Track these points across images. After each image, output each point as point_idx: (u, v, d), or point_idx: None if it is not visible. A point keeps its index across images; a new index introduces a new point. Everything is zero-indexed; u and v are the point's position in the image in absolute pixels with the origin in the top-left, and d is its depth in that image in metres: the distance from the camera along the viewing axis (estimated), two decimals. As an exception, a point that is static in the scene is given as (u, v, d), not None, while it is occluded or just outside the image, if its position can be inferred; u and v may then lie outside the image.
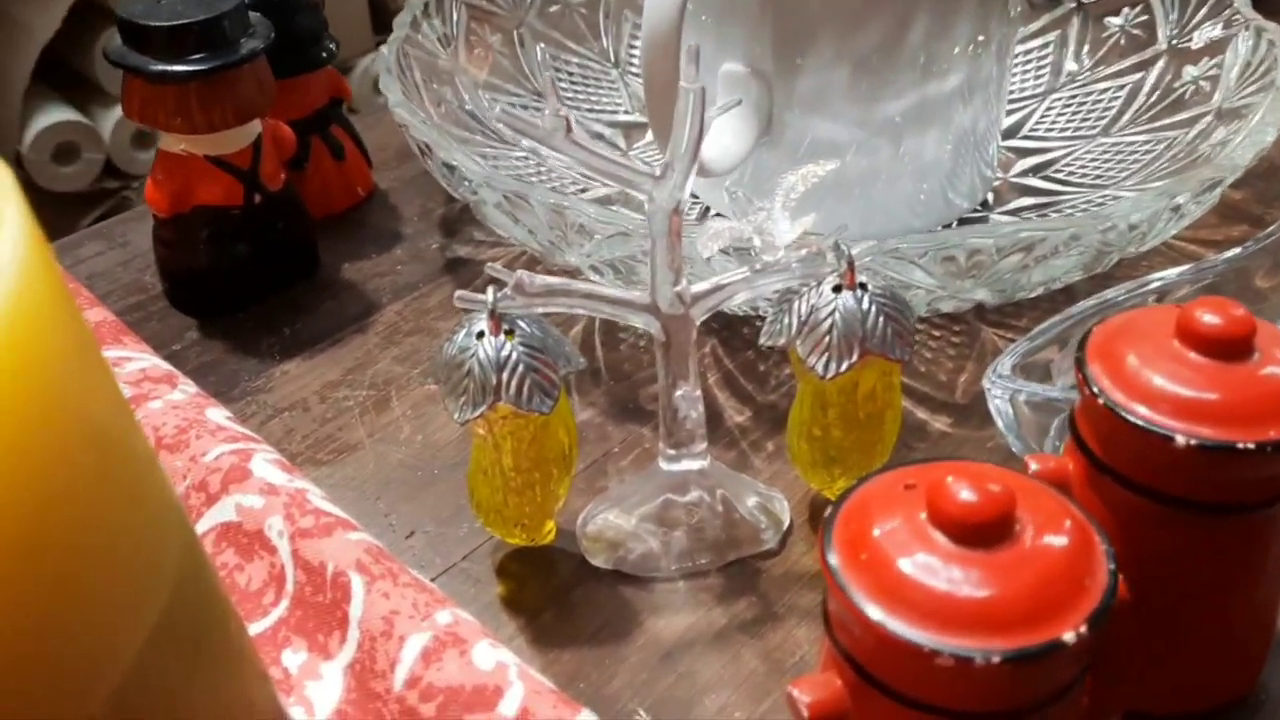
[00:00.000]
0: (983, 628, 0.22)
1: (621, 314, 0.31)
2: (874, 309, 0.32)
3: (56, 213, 1.20)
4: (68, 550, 0.16)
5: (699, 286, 0.31)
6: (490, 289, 0.30)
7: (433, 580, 0.34)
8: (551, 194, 0.38)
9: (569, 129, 0.27)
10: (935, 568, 0.22)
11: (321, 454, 0.39)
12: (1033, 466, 0.29)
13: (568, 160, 0.29)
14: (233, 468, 0.35)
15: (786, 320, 0.32)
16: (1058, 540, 0.23)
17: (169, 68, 0.40)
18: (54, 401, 0.16)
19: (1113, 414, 0.26)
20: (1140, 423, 0.26)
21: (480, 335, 0.30)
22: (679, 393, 0.32)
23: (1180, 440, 0.25)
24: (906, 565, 0.22)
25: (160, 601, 0.19)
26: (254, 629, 0.31)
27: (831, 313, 0.32)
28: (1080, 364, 0.28)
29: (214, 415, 0.37)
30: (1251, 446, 0.25)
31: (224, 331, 0.45)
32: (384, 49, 0.49)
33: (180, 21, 0.40)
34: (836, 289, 0.32)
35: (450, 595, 0.34)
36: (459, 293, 0.29)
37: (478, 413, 0.30)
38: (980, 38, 0.44)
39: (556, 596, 0.34)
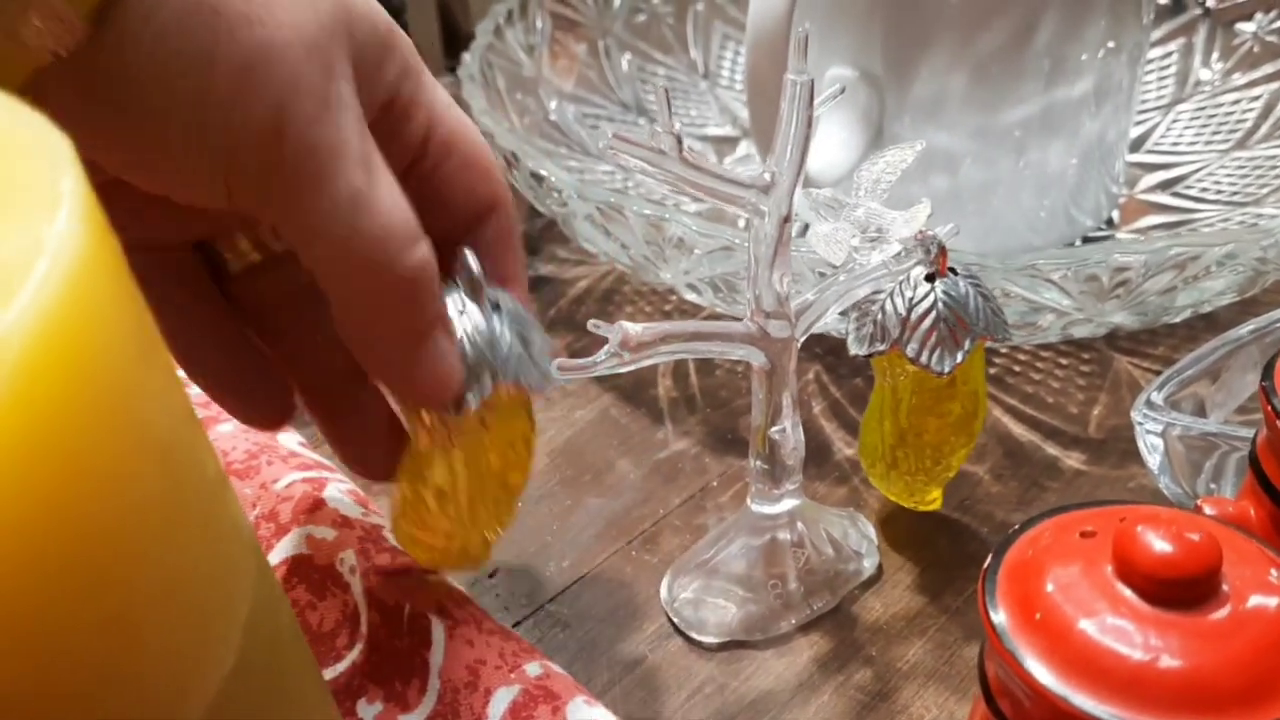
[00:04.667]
0: (1188, 705, 0.18)
1: (726, 350, 0.28)
2: (971, 291, 0.29)
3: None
4: (131, 585, 0.14)
5: (798, 300, 0.28)
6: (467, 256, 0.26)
7: (518, 624, 0.32)
8: (649, 205, 0.35)
9: (681, 148, 0.25)
10: (1128, 632, 0.19)
11: (398, 483, 0.37)
12: (1207, 510, 0.25)
13: (650, 188, 0.26)
14: (304, 496, 0.32)
15: (880, 323, 0.29)
16: (1270, 600, 0.19)
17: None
18: (116, 410, 0.13)
19: (1314, 452, 0.23)
20: (1350, 463, 0.22)
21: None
22: (778, 428, 0.29)
23: (1403, 484, 0.22)
24: (1091, 628, 0.19)
25: (233, 642, 0.17)
26: (327, 674, 0.29)
27: (934, 304, 0.29)
28: (1268, 393, 0.24)
29: (286, 440, 0.35)
30: None
31: (297, 351, 0.42)
32: (467, 56, 0.46)
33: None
34: (929, 278, 0.29)
35: (537, 642, 0.31)
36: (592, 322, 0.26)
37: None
38: (1111, 43, 0.40)
39: (654, 644, 0.31)
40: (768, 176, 0.26)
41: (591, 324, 0.26)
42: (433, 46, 1.36)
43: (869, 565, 0.32)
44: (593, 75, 0.53)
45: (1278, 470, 0.24)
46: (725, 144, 0.52)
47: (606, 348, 0.26)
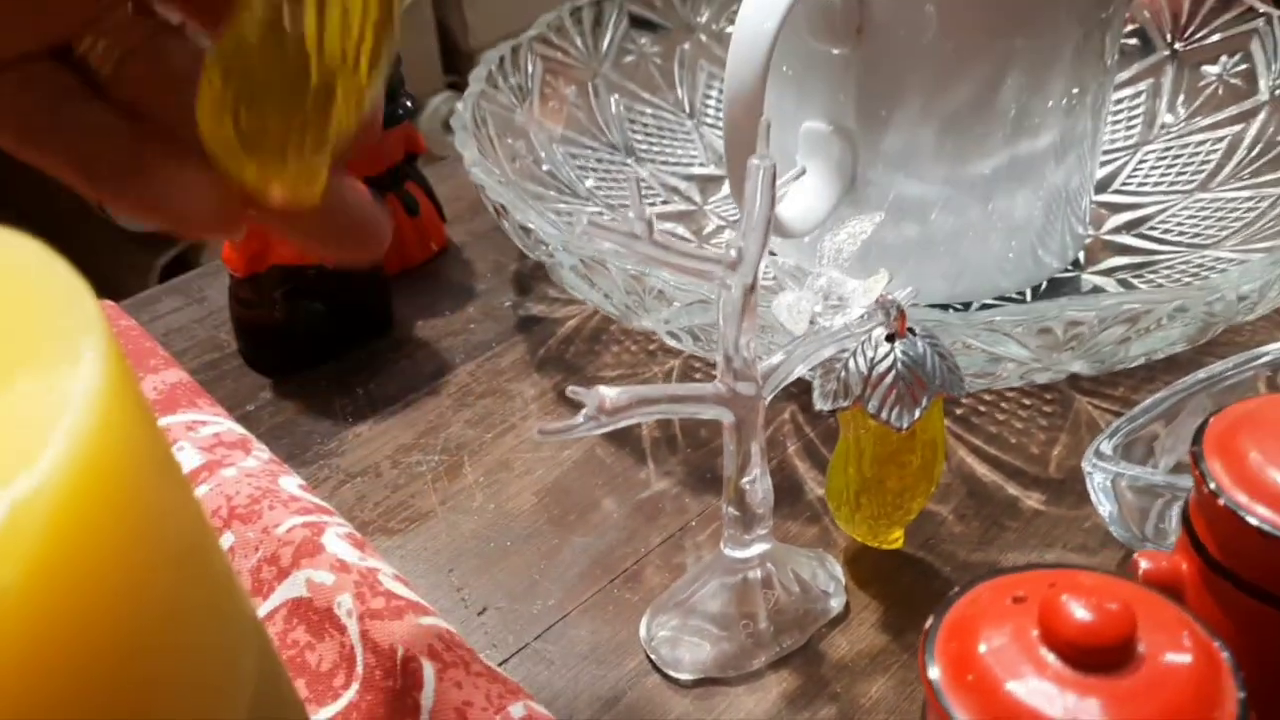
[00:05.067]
0: (1102, 762, 0.20)
1: (698, 411, 0.30)
2: (929, 351, 0.31)
3: (136, 251, 1.23)
4: (151, 677, 0.16)
5: (765, 363, 0.30)
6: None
7: (505, 661, 0.34)
8: (630, 260, 0.37)
9: (651, 232, 0.27)
10: (1050, 694, 0.21)
11: (393, 522, 0.39)
12: (1143, 565, 0.27)
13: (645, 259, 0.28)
14: (304, 541, 0.34)
15: (842, 379, 0.31)
16: (1182, 662, 0.21)
17: (247, 130, 0.40)
18: (137, 527, 0.15)
19: (1233, 515, 0.25)
20: (1264, 526, 0.24)
21: None
22: (747, 478, 0.31)
23: (1311, 549, 0.23)
24: (1018, 689, 0.21)
25: (241, 715, 0.19)
26: (325, 713, 0.31)
27: (893, 364, 0.31)
28: (1197, 458, 0.26)
29: (287, 484, 0.37)
30: (1391, 558, 0.23)
31: (298, 391, 0.44)
32: (459, 105, 0.48)
33: (259, 84, 0.39)
34: (889, 338, 0.31)
35: (523, 679, 0.33)
36: (571, 389, 0.28)
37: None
38: (1075, 91, 0.42)
39: (633, 681, 0.33)
40: (734, 252, 0.28)
41: (570, 390, 0.28)
42: (431, 62, 1.38)
43: (836, 604, 0.34)
44: (582, 116, 0.55)
45: (1206, 529, 0.26)
46: (710, 182, 0.54)
47: (584, 411, 0.28)
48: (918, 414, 0.31)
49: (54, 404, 0.13)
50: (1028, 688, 0.21)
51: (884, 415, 0.31)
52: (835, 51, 0.41)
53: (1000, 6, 0.39)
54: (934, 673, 0.22)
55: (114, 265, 1.27)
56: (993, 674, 0.21)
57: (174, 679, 0.15)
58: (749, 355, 0.30)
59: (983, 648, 0.22)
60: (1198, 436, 0.26)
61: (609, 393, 0.28)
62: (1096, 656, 0.21)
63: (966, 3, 0.39)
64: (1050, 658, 0.21)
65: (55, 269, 0.15)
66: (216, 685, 0.17)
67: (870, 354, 0.31)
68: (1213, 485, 0.25)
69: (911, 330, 0.31)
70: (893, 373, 0.31)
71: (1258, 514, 0.24)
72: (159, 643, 0.15)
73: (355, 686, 0.31)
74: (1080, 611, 0.21)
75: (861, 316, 0.31)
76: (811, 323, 0.30)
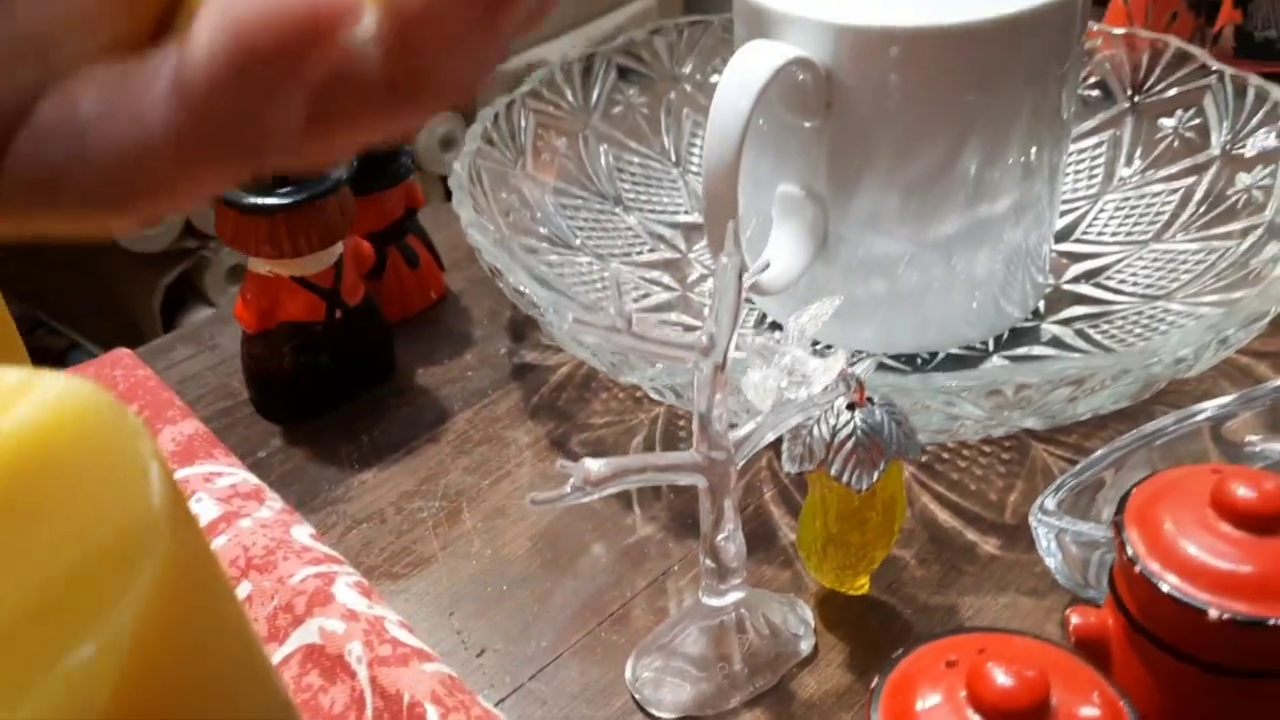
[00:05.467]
0: (1018, 810, 0.23)
1: (675, 478, 0.33)
2: (886, 419, 0.34)
3: (141, 270, 1.26)
4: None
5: (735, 434, 0.33)
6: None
7: (501, 701, 0.37)
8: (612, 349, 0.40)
9: (630, 326, 0.30)
10: (974, 750, 0.24)
11: (397, 567, 0.42)
12: (1074, 620, 0.30)
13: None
14: (317, 591, 0.37)
15: (807, 445, 0.34)
16: (1091, 718, 0.24)
17: (259, 201, 0.43)
18: (203, 643, 0.18)
19: (1148, 583, 0.28)
20: (1175, 593, 0.27)
21: None
22: (721, 535, 0.34)
23: (1213, 613, 0.27)
24: (947, 745, 0.24)
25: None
26: (337, 752, 0.34)
27: (853, 431, 0.34)
28: (1119, 527, 0.29)
29: (299, 534, 0.40)
30: (1283, 622, 0.26)
31: (306, 438, 0.47)
32: (456, 165, 0.51)
33: (270, 159, 0.42)
34: (850, 407, 0.34)
35: (519, 717, 0.36)
36: (561, 462, 0.31)
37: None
38: (1033, 150, 0.45)
39: (620, 718, 0.36)
40: (705, 339, 0.31)
41: (560, 465, 0.31)
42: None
43: (805, 646, 0.37)
44: (572, 167, 0.58)
45: (1128, 592, 0.29)
46: (695, 230, 0.57)
47: (571, 482, 0.31)
48: (876, 476, 0.34)
49: (131, 545, 0.16)
50: (956, 745, 0.24)
51: (845, 478, 0.34)
52: (807, 124, 0.44)
53: (959, 69, 0.42)
54: (877, 728, 0.25)
55: (121, 282, 1.30)
56: (926, 732, 0.24)
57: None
58: (720, 427, 0.33)
59: (919, 705, 0.25)
60: (1121, 506, 0.30)
61: (594, 465, 0.31)
62: (1015, 717, 0.24)
63: (926, 73, 0.42)
64: (975, 717, 0.24)
65: (122, 420, 0.18)
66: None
67: (833, 422, 0.34)
68: (1130, 553, 0.28)
69: (870, 399, 0.34)
70: (853, 439, 0.34)
71: (1169, 581, 0.27)
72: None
73: (365, 728, 0.34)
74: (1001, 677, 0.24)
75: (825, 388, 0.34)
76: (777, 397, 0.33)
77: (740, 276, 0.31)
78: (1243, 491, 0.28)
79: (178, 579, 0.17)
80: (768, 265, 0.33)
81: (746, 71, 0.41)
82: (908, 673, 0.26)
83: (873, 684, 0.26)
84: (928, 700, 0.25)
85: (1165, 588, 0.27)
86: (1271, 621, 0.26)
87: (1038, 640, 0.26)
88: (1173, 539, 0.28)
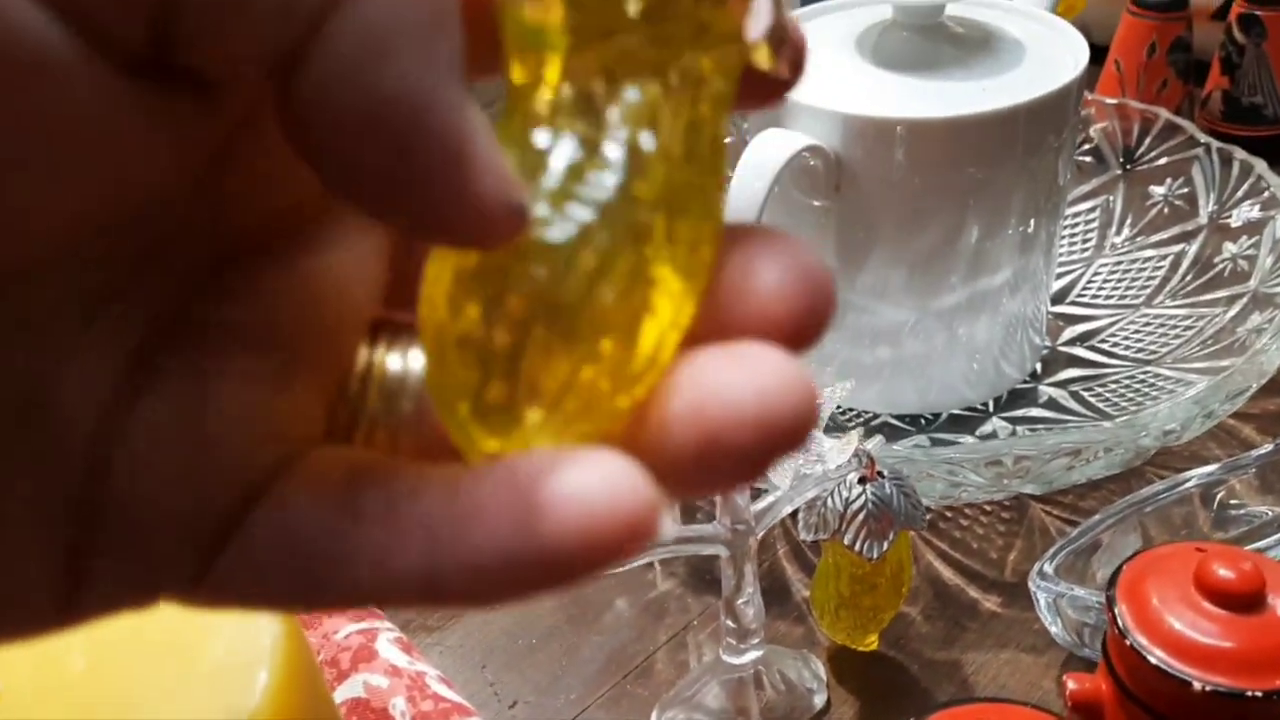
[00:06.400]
0: None
1: (699, 549, 0.35)
2: (895, 492, 0.36)
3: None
4: None
5: (756, 506, 0.36)
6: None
7: (535, 753, 0.39)
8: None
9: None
10: (979, 814, 0.26)
11: (432, 620, 0.44)
12: (1070, 686, 0.33)
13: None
14: (361, 647, 0.39)
15: (822, 515, 0.37)
16: (1086, 786, 0.27)
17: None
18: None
19: (1137, 654, 0.30)
20: (1162, 665, 0.30)
21: None
22: (742, 599, 0.37)
23: (1196, 686, 0.29)
24: (955, 809, 0.27)
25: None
26: (384, 803, 0.36)
27: (864, 504, 0.36)
28: (1110, 602, 0.32)
29: (342, 592, 0.42)
30: (1259, 694, 0.29)
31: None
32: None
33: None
34: (861, 480, 0.37)
35: (551, 769, 0.38)
36: None
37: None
38: (1029, 229, 0.48)
39: (644, 769, 0.38)
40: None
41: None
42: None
43: (819, 701, 0.40)
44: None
45: (1119, 660, 0.32)
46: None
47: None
48: (886, 546, 0.37)
49: (254, 651, 0.19)
50: (963, 809, 0.26)
51: (858, 547, 0.37)
52: (817, 203, 0.47)
53: (959, 155, 0.45)
54: (891, 791, 0.28)
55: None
56: (936, 797, 0.27)
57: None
58: (742, 501, 0.35)
59: (928, 774, 0.27)
60: (1112, 581, 0.32)
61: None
62: (1016, 785, 0.26)
63: (928, 158, 0.45)
64: (981, 786, 0.27)
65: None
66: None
67: (845, 494, 0.37)
68: (1121, 626, 0.31)
69: (881, 474, 0.37)
70: (864, 511, 0.36)
71: (1156, 654, 0.30)
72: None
73: (410, 779, 0.36)
74: (1003, 748, 0.27)
75: (839, 466, 0.37)
76: (795, 474, 0.35)
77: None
78: (1223, 572, 0.30)
79: (292, 678, 0.19)
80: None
81: (762, 157, 0.44)
82: (918, 740, 0.29)
83: (886, 749, 0.29)
84: (937, 766, 0.27)
85: (1153, 660, 0.30)
86: (1249, 693, 0.29)
87: (1035, 710, 0.29)
88: (1159, 614, 0.31)
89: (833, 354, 0.49)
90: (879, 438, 0.37)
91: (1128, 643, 0.31)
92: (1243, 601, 0.30)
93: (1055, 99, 0.45)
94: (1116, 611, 0.31)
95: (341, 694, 0.39)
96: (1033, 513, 0.47)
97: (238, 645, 0.19)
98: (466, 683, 0.42)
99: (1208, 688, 0.29)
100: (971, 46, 0.49)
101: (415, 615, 0.44)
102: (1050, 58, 0.47)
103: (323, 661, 0.40)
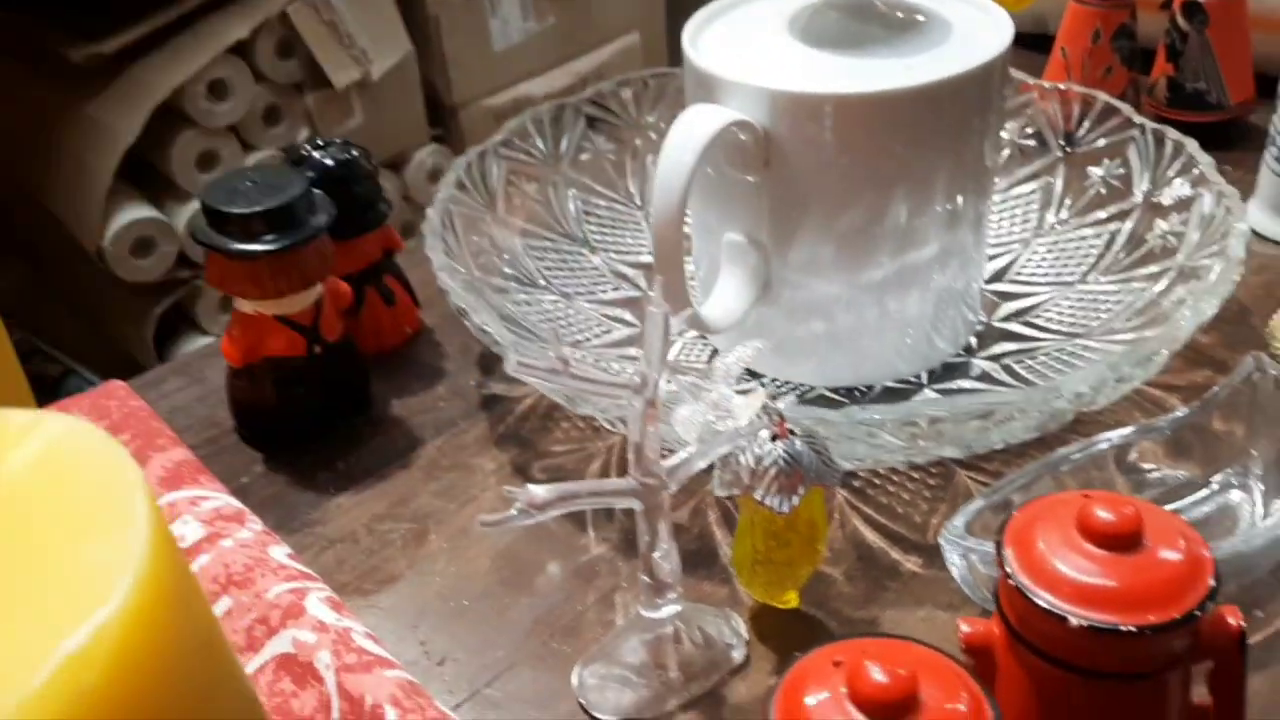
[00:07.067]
0: (888, 790, 0.27)
1: (614, 502, 0.36)
2: (806, 449, 0.37)
3: (135, 300, 1.29)
4: None
5: (669, 461, 0.37)
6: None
7: (458, 706, 0.40)
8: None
9: (568, 367, 0.33)
10: (852, 738, 0.27)
11: (367, 584, 0.45)
12: (963, 629, 0.34)
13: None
14: (291, 605, 0.40)
15: (735, 472, 0.38)
16: (956, 711, 0.28)
17: (244, 247, 0.47)
18: (179, 635, 0.21)
19: (1022, 595, 0.31)
20: (1043, 604, 0.31)
21: None
22: (657, 553, 0.38)
23: (1074, 622, 0.30)
24: (829, 734, 0.27)
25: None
26: (306, 751, 0.37)
27: (775, 459, 0.37)
28: (999, 547, 0.33)
29: (276, 553, 0.43)
30: (1134, 629, 0.30)
31: (286, 465, 0.51)
32: (430, 210, 0.55)
33: (254, 209, 0.46)
34: (773, 438, 0.38)
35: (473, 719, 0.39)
36: (481, 518, 0.34)
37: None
38: (956, 207, 0.49)
39: (565, 721, 0.39)
40: (638, 377, 0.35)
41: (506, 490, 0.34)
42: (418, 118, 1.45)
43: (738, 656, 0.41)
44: (542, 210, 0.62)
45: (1008, 604, 0.33)
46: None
47: (516, 506, 0.34)
48: (796, 501, 0.38)
49: (120, 557, 0.20)
50: (836, 734, 0.27)
51: (767, 502, 0.38)
52: (749, 179, 0.48)
53: (885, 130, 0.46)
54: (773, 719, 0.29)
55: (116, 311, 1.34)
56: (812, 723, 0.28)
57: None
58: (653, 455, 0.36)
59: (809, 700, 0.28)
60: (1001, 528, 0.33)
61: (537, 490, 0.35)
62: (886, 709, 0.27)
63: (855, 134, 0.46)
64: (853, 710, 0.28)
65: (114, 454, 0.22)
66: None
67: (757, 451, 0.38)
68: (1009, 570, 0.32)
69: (792, 431, 0.38)
70: (775, 467, 0.37)
71: (1039, 595, 0.31)
72: (193, 716, 0.21)
73: (332, 728, 0.37)
74: (876, 674, 0.28)
75: (751, 420, 0.38)
76: (704, 430, 0.37)
77: (667, 324, 0.34)
78: (1103, 515, 0.31)
79: (156, 585, 0.20)
80: (693, 313, 0.37)
81: (690, 132, 0.45)
82: (802, 672, 0.29)
83: (771, 683, 0.30)
84: (815, 696, 0.28)
85: (1036, 599, 0.31)
86: (1123, 628, 0.30)
87: (920, 645, 0.30)
88: (1044, 557, 0.32)
89: (767, 328, 0.50)
90: (791, 397, 0.38)
91: (1013, 584, 0.32)
92: (1121, 542, 0.31)
93: (978, 75, 0.46)
94: (1004, 555, 0.32)
95: (270, 650, 0.40)
96: (958, 479, 0.48)
97: (101, 552, 0.20)
98: (398, 641, 0.43)
99: (1084, 623, 0.30)
100: (900, 27, 0.50)
101: (351, 580, 0.45)
102: (976, 38, 0.49)
103: (254, 620, 0.41)
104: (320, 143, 0.53)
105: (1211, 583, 0.31)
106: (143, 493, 0.21)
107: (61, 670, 0.18)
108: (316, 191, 0.50)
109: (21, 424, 0.22)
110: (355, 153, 0.53)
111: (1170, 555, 0.31)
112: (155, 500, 0.21)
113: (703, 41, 0.50)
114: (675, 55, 0.50)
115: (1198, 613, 0.30)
